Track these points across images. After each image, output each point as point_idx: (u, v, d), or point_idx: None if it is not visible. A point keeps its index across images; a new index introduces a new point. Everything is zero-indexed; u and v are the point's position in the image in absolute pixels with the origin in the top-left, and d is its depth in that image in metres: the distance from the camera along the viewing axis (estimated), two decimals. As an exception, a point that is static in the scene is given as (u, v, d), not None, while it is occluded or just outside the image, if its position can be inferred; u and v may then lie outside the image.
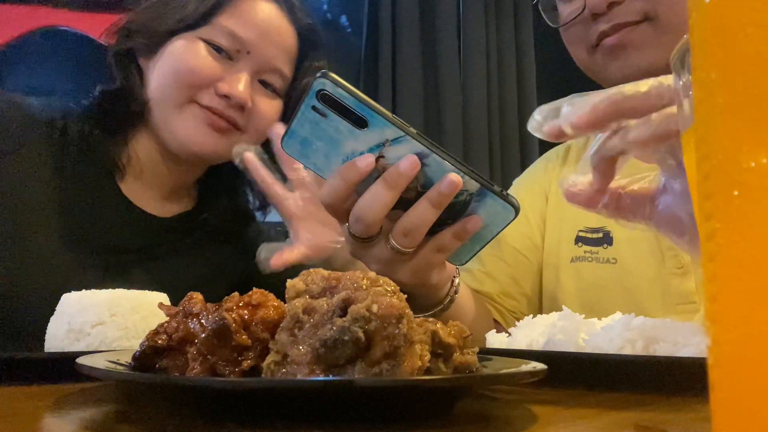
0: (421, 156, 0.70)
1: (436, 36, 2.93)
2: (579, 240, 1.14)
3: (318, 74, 0.69)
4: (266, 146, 1.05)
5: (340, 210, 0.76)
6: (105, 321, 0.68)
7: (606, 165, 0.55)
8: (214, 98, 1.08)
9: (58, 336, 0.69)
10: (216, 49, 1.09)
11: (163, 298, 0.74)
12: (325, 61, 1.22)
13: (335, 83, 0.69)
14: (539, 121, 0.55)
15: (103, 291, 0.71)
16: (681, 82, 0.35)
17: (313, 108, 0.70)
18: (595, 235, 1.12)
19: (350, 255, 0.84)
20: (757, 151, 0.26)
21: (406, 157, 0.70)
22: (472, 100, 2.90)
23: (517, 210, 0.73)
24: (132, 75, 1.11)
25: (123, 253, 1.11)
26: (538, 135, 0.56)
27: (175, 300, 1.10)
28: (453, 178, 0.70)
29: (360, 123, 0.70)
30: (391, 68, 2.89)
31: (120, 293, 0.71)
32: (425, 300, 0.87)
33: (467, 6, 3.00)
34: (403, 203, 0.73)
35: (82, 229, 1.07)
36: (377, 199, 0.71)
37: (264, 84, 1.14)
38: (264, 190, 1.02)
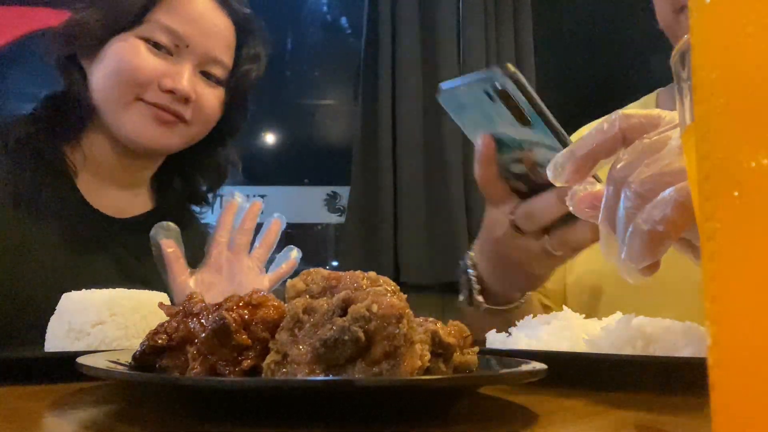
0: None
1: (436, 37, 2.93)
2: None
3: (502, 70, 0.70)
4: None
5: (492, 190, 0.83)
6: (105, 321, 0.68)
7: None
8: (159, 94, 1.11)
9: (58, 336, 0.69)
10: (155, 46, 1.11)
11: (163, 297, 0.74)
12: (263, 47, 1.28)
13: (518, 86, 0.69)
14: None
15: (103, 290, 0.71)
16: (681, 82, 0.35)
17: (485, 92, 0.71)
18: None
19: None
20: (757, 151, 0.26)
21: (588, 193, 0.68)
22: (472, 100, 2.89)
23: None
24: (76, 79, 1.14)
25: (84, 254, 1.12)
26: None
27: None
28: None
29: (524, 121, 0.71)
30: (391, 69, 2.89)
31: (120, 293, 0.71)
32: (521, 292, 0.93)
33: (467, 7, 3.00)
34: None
35: (44, 233, 1.09)
36: (549, 208, 0.76)
37: (205, 75, 1.17)
38: (169, 274, 1.08)
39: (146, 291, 0.74)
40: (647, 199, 0.47)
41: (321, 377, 0.39)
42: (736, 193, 0.26)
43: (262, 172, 3.78)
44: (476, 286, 0.95)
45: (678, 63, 0.35)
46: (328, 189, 3.22)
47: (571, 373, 0.56)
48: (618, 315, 0.66)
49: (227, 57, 1.20)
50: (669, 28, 1.11)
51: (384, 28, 2.91)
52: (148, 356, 0.47)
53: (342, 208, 3.11)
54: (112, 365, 0.47)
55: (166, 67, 1.12)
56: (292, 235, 3.54)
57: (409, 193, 2.78)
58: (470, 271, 0.97)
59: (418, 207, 2.78)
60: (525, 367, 0.45)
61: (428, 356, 0.42)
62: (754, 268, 0.26)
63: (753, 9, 0.26)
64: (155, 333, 0.47)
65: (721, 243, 0.27)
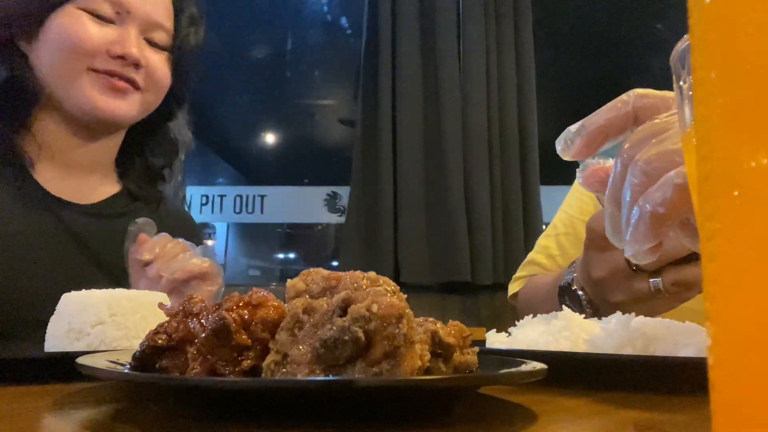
0: None
1: (436, 36, 2.93)
2: None
3: None
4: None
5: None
6: (105, 321, 0.68)
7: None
8: (109, 61, 1.11)
9: (58, 336, 0.69)
10: (97, 16, 1.11)
11: (163, 298, 0.74)
12: (197, 10, 1.29)
13: None
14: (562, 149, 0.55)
15: (103, 291, 0.71)
16: (681, 82, 0.35)
17: None
18: None
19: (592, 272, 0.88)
20: (757, 151, 0.26)
21: (600, 167, 0.65)
22: (472, 100, 2.89)
23: None
24: (18, 64, 1.12)
25: (50, 243, 1.11)
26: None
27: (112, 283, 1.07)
28: None
29: None
30: (391, 69, 2.89)
31: (120, 293, 0.71)
32: None
33: (467, 6, 3.00)
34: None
35: (5, 228, 1.07)
36: (678, 251, 0.75)
37: (150, 42, 1.17)
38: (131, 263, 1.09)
39: (146, 291, 0.74)
40: (653, 178, 0.47)
41: (321, 377, 0.39)
42: (736, 193, 0.26)
43: (262, 172, 3.78)
44: (588, 310, 0.93)
45: (678, 63, 0.35)
46: (329, 189, 3.23)
47: (571, 373, 0.56)
48: (618, 315, 0.66)
49: (168, 22, 1.21)
50: None
51: (384, 28, 2.91)
52: (148, 356, 0.47)
53: (342, 208, 3.12)
54: (112, 365, 0.47)
55: (112, 35, 1.11)
56: (292, 235, 3.55)
57: (409, 193, 2.78)
58: (580, 293, 0.94)
59: (418, 207, 2.78)
60: (525, 367, 0.45)
61: (428, 356, 0.42)
62: (754, 269, 0.26)
63: (753, 9, 0.26)
64: (155, 333, 0.47)
65: (721, 243, 0.27)
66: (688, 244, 0.56)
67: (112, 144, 1.25)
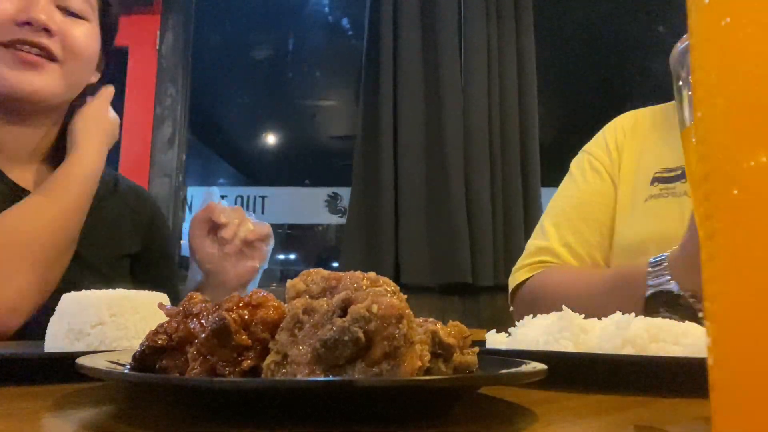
0: None
1: (437, 38, 2.93)
2: (655, 180, 1.17)
3: None
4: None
5: None
6: (105, 321, 0.68)
7: None
8: (15, 30, 1.04)
9: (58, 336, 0.69)
10: None
11: (163, 298, 0.74)
12: None
13: None
14: None
15: (103, 291, 0.71)
16: (680, 83, 0.35)
17: None
18: (672, 173, 1.15)
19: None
20: (756, 150, 0.26)
21: None
22: (473, 101, 2.89)
23: None
24: None
25: None
26: None
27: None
28: None
29: None
30: (392, 70, 2.89)
31: (120, 293, 0.71)
32: None
33: (468, 7, 3.00)
34: None
35: None
36: None
37: (66, 11, 1.10)
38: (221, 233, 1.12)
39: (146, 291, 0.74)
40: None
41: (321, 378, 0.39)
42: (735, 192, 0.26)
43: (263, 172, 3.78)
44: (700, 313, 0.90)
45: (677, 63, 0.35)
46: (329, 190, 3.22)
47: (571, 373, 0.56)
48: (618, 315, 0.66)
49: None
50: None
51: (385, 28, 2.91)
52: (148, 356, 0.47)
53: (343, 209, 3.11)
54: (112, 365, 0.47)
55: (17, 3, 1.04)
56: (293, 235, 3.55)
57: (410, 194, 2.78)
58: (692, 300, 0.89)
59: (419, 208, 2.78)
60: (525, 367, 0.45)
61: (428, 357, 0.42)
62: (754, 268, 0.26)
63: (752, 9, 0.26)
64: (155, 333, 0.47)
65: (721, 243, 0.27)
66: None
67: (52, 125, 1.18)
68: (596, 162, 1.30)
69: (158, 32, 3.03)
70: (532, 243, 1.32)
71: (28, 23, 1.04)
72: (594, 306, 0.87)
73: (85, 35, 1.13)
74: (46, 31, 1.06)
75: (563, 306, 0.68)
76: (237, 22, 3.60)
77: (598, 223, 1.24)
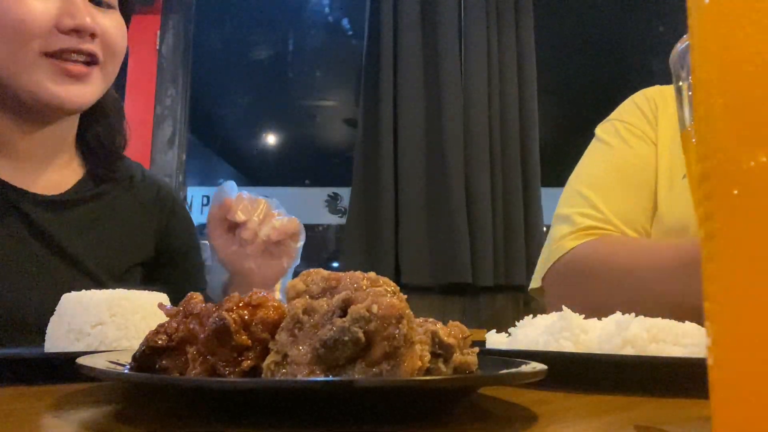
0: None
1: (438, 38, 2.93)
2: None
3: None
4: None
5: None
6: (105, 321, 0.68)
7: None
8: (62, 38, 0.96)
9: (58, 336, 0.69)
10: None
11: (163, 298, 0.74)
12: None
13: None
14: None
15: (103, 291, 0.71)
16: (680, 83, 0.35)
17: None
18: None
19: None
20: (756, 150, 0.26)
21: None
22: (473, 101, 2.89)
23: None
24: None
25: (13, 239, 1.01)
26: None
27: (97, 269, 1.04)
28: None
29: None
30: (393, 71, 2.90)
31: (120, 293, 0.71)
32: None
33: (468, 8, 3.00)
34: None
35: None
36: None
37: (97, 3, 1.02)
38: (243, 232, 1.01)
39: (146, 291, 0.74)
40: None
41: (321, 378, 0.39)
42: (735, 192, 0.26)
43: (263, 173, 3.78)
44: None
45: (677, 63, 0.35)
46: (330, 190, 3.22)
47: (571, 373, 0.56)
48: (618, 315, 0.65)
49: None
50: None
51: (386, 29, 2.91)
52: (148, 357, 0.47)
53: (343, 209, 3.11)
54: (112, 366, 0.47)
55: (56, 6, 0.96)
56: (293, 236, 3.55)
57: (410, 194, 2.78)
58: None
59: (419, 208, 2.78)
60: (525, 368, 0.45)
61: (428, 357, 0.42)
62: (754, 268, 0.26)
63: (752, 9, 0.26)
64: (155, 333, 0.47)
65: (721, 243, 0.27)
66: None
67: (70, 126, 1.12)
68: (634, 129, 1.17)
69: (158, 32, 3.03)
70: (572, 211, 1.11)
71: (75, 30, 0.96)
72: (659, 282, 0.80)
73: (118, 27, 1.06)
74: (92, 36, 0.99)
75: (620, 282, 0.61)
76: (237, 22, 3.60)
77: (648, 189, 1.10)
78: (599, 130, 1.23)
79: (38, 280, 1.01)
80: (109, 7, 1.04)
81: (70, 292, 0.80)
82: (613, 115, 1.24)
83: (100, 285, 1.02)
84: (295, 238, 1.06)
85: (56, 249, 1.04)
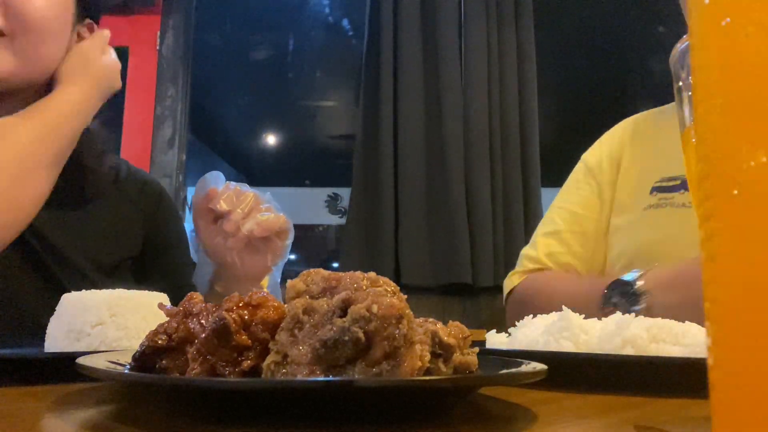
0: None
1: (438, 38, 2.93)
2: (654, 190, 1.18)
3: None
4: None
5: None
6: (105, 321, 0.68)
7: None
8: None
9: (58, 336, 0.69)
10: None
11: (163, 298, 0.74)
12: None
13: None
14: None
15: (103, 291, 0.71)
16: (680, 83, 0.35)
17: None
18: (672, 183, 1.15)
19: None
20: (755, 150, 0.26)
21: None
22: (474, 102, 2.89)
23: None
24: None
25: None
26: None
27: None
28: None
29: None
30: (393, 71, 2.89)
31: (120, 293, 0.71)
32: None
33: (468, 8, 3.00)
34: None
35: None
36: None
37: None
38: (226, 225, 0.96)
39: (146, 291, 0.74)
40: None
41: (321, 378, 0.39)
42: (735, 192, 0.26)
43: (263, 173, 3.78)
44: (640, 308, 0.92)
45: (677, 63, 0.35)
46: (329, 190, 3.22)
47: (571, 373, 0.56)
48: (618, 315, 0.65)
49: None
50: None
51: (386, 29, 2.91)
52: (148, 357, 0.47)
53: (343, 209, 3.11)
54: (112, 365, 0.47)
55: None
56: (293, 236, 3.55)
57: (410, 194, 2.78)
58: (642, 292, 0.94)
59: (419, 209, 2.78)
60: (525, 367, 0.45)
61: (428, 357, 0.42)
62: (754, 268, 0.26)
63: (752, 9, 0.26)
64: (155, 333, 0.47)
65: (721, 243, 0.27)
66: None
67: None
68: (590, 172, 1.31)
69: (158, 32, 3.03)
70: (525, 252, 1.37)
71: None
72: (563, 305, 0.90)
73: (42, 1, 0.97)
74: None
75: (550, 310, 0.69)
76: (237, 22, 3.60)
77: (585, 237, 1.27)
78: (574, 169, 1.38)
79: (29, 275, 1.00)
80: None
81: (61, 286, 0.78)
82: (585, 153, 1.37)
83: (89, 280, 1.04)
84: (282, 236, 1.02)
85: (45, 245, 1.03)
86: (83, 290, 0.72)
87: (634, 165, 1.25)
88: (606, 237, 1.26)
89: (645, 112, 1.34)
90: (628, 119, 1.35)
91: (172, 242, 1.26)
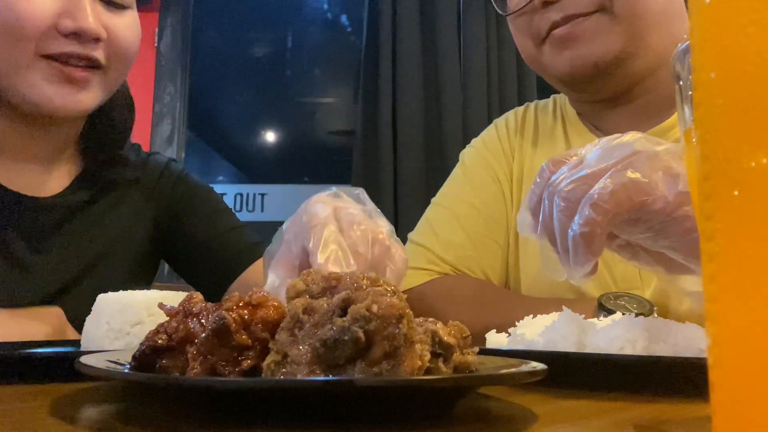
0: None
1: (437, 34, 2.93)
2: None
3: None
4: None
5: None
6: (143, 321, 0.69)
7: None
8: (62, 41, 0.90)
9: (96, 336, 0.70)
10: None
11: (198, 297, 0.74)
12: None
13: None
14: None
15: (138, 291, 0.72)
16: (681, 82, 0.35)
17: None
18: None
19: None
20: (757, 151, 0.26)
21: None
22: (473, 98, 2.89)
23: None
24: None
25: (14, 242, 0.98)
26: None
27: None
28: None
29: None
30: (392, 67, 2.89)
31: (156, 294, 0.72)
32: None
33: (467, 4, 3.00)
34: None
35: None
36: None
37: (106, 2, 0.95)
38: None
39: (182, 293, 0.74)
40: (574, 203, 0.53)
41: (321, 377, 0.39)
42: (736, 193, 0.26)
43: (262, 170, 3.78)
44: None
45: (678, 63, 0.35)
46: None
47: (571, 373, 0.56)
48: (618, 315, 0.65)
49: None
50: (533, 61, 1.08)
51: (384, 26, 2.91)
52: (148, 356, 0.47)
53: (342, 206, 3.11)
54: (112, 365, 0.47)
55: (58, 5, 0.89)
56: (292, 233, 3.55)
57: (410, 191, 2.78)
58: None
59: (419, 206, 2.78)
60: (525, 367, 0.45)
61: (428, 356, 0.42)
62: (754, 268, 0.26)
63: (752, 9, 0.26)
64: (155, 333, 0.47)
65: (721, 243, 0.27)
66: (631, 262, 0.63)
67: (71, 129, 1.05)
68: (492, 164, 1.28)
69: (157, 30, 3.03)
70: (422, 242, 1.23)
71: (76, 33, 0.90)
72: (456, 314, 0.84)
73: (130, 29, 0.97)
74: (96, 40, 0.92)
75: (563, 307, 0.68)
76: (236, 19, 3.60)
77: (496, 245, 1.18)
78: (463, 153, 1.37)
79: (44, 281, 1.00)
80: (123, 7, 0.97)
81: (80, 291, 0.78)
82: (476, 140, 1.37)
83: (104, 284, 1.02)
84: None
85: (31, 248, 1.00)
86: (120, 291, 0.72)
87: (524, 161, 1.22)
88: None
89: (523, 107, 1.30)
90: (510, 112, 1.33)
91: (209, 215, 1.16)
